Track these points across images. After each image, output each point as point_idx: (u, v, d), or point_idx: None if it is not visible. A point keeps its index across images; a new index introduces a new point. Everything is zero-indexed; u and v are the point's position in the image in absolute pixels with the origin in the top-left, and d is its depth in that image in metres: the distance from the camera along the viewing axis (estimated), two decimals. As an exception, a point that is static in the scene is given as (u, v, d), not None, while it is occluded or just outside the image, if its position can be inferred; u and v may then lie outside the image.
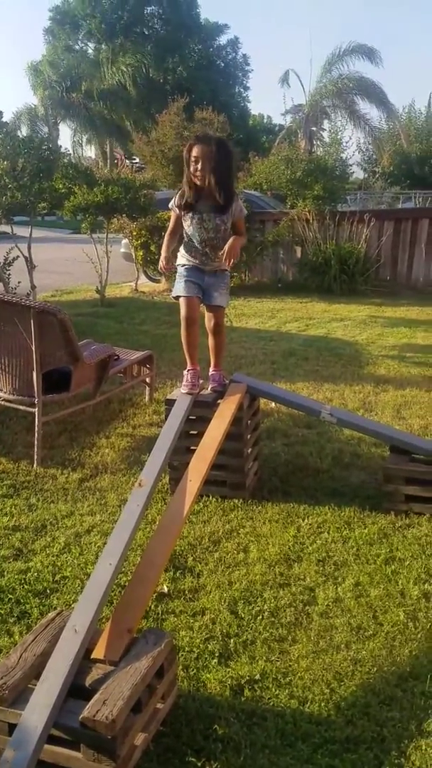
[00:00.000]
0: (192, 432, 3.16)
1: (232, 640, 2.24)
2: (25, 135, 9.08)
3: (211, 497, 3.18)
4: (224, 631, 2.28)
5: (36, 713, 1.63)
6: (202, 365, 3.31)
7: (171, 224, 3.16)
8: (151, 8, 32.24)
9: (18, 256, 6.70)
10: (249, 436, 3.26)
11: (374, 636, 2.28)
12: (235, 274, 9.96)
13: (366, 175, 22.13)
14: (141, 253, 9.56)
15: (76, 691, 1.74)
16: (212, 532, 2.89)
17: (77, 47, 32.30)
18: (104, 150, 27.74)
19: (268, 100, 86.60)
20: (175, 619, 2.34)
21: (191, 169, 2.85)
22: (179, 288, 3.12)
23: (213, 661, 2.15)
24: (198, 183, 2.86)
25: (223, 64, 33.69)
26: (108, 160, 23.99)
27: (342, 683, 2.07)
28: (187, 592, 2.48)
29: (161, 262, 3.15)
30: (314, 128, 23.14)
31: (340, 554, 2.75)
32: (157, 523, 2.91)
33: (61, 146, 8.19)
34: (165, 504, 3.14)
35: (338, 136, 11.68)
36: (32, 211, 6.83)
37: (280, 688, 2.05)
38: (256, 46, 71.84)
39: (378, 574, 2.61)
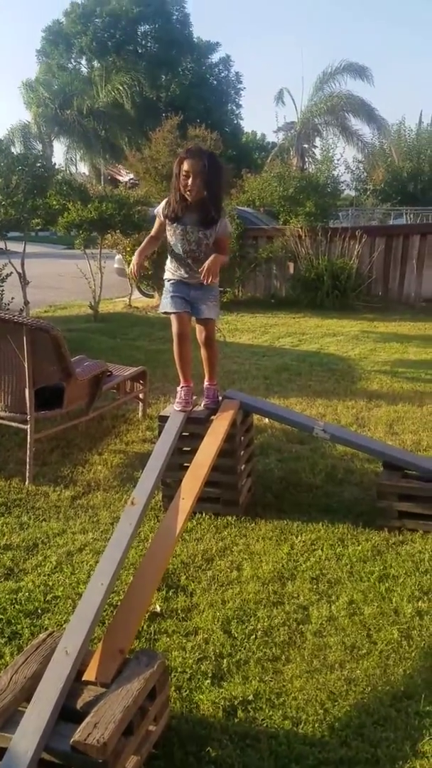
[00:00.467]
0: (185, 449, 3.16)
1: (225, 660, 2.22)
2: (19, 152, 9.14)
3: (204, 514, 3.17)
4: (217, 651, 2.26)
5: (26, 737, 1.60)
6: (195, 380, 3.31)
7: (153, 230, 3.15)
8: (143, 27, 32.65)
9: (11, 272, 6.71)
10: (242, 453, 3.25)
11: (368, 655, 2.27)
12: (228, 289, 10.02)
13: (357, 193, 22.35)
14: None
15: (67, 713, 1.72)
16: (205, 549, 2.88)
17: (70, 65, 32.63)
18: (96, 166, 27.91)
19: (260, 117, 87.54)
20: (168, 639, 2.32)
21: (181, 183, 2.85)
22: (165, 303, 3.13)
23: (206, 682, 2.13)
24: (188, 197, 2.88)
25: (215, 82, 34.07)
26: (102, 177, 24.12)
27: (336, 703, 2.06)
28: (179, 611, 2.46)
29: (132, 267, 3.10)
30: (306, 145, 23.38)
31: (333, 572, 2.73)
32: (150, 541, 2.90)
33: (55, 163, 8.21)
34: (158, 521, 3.12)
35: (330, 154, 11.79)
36: (26, 227, 6.85)
37: (273, 708, 2.03)
38: (248, 64, 72.74)
39: (372, 592, 2.60)
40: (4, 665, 2.15)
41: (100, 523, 3.12)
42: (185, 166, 2.80)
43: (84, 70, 32.56)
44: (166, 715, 1.95)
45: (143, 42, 33.18)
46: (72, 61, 32.83)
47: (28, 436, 3.55)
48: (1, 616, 2.41)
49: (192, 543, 2.94)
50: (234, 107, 35.23)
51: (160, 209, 3.04)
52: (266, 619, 2.43)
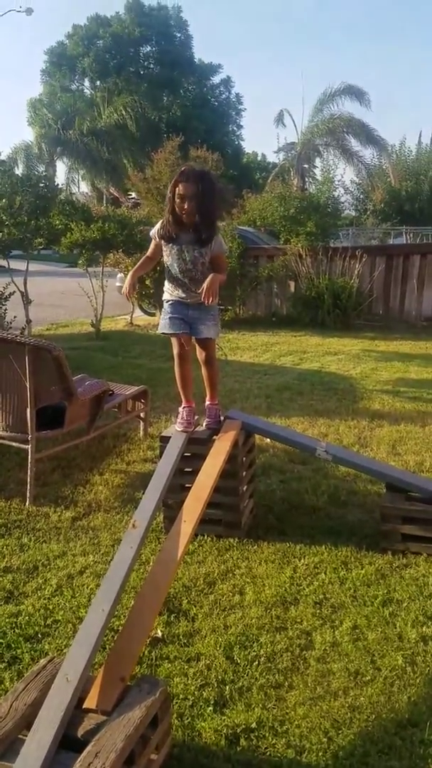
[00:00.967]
0: (187, 469, 3.14)
1: (227, 687, 2.19)
2: (22, 172, 9.25)
3: (205, 536, 3.14)
4: (219, 677, 2.23)
5: (27, 766, 1.58)
6: (196, 399, 3.30)
7: (149, 250, 3.16)
8: (145, 48, 33.16)
9: (14, 291, 6.74)
10: (244, 474, 3.24)
11: (372, 681, 2.23)
12: (229, 307, 10.05)
13: (357, 213, 22.55)
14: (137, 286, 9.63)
15: (68, 742, 1.69)
16: (207, 573, 2.85)
17: (73, 86, 33.10)
18: (96, 187, 28.17)
19: (261, 138, 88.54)
20: (170, 665, 2.29)
21: (177, 206, 2.87)
22: (164, 324, 3.14)
23: (208, 709, 2.09)
24: (184, 220, 2.90)
25: (216, 103, 34.55)
26: (104, 197, 24.33)
27: (340, 731, 2.02)
28: (181, 636, 2.43)
29: (125, 287, 3.08)
30: (306, 166, 23.63)
31: (337, 596, 2.71)
32: (151, 564, 2.87)
33: (58, 184, 8.29)
34: (159, 544, 3.10)
35: (330, 175, 11.90)
36: (29, 246, 6.90)
37: (276, 736, 1.99)
38: (249, 85, 73.77)
39: (375, 617, 2.57)
40: (4, 691, 2.13)
41: (100, 545, 3.10)
42: (180, 189, 2.82)
43: (87, 91, 33.03)
44: (168, 743, 1.92)
45: (145, 63, 33.72)
46: (75, 82, 33.32)
47: (29, 457, 3.53)
48: (1, 641, 2.38)
49: (194, 566, 2.91)
50: (235, 128, 35.72)
51: (155, 231, 3.06)
52: (269, 645, 2.40)
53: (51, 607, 2.60)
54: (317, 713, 2.09)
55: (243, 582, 2.79)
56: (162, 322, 3.15)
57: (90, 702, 1.82)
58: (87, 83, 33.33)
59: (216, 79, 34.72)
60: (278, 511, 3.47)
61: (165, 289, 3.19)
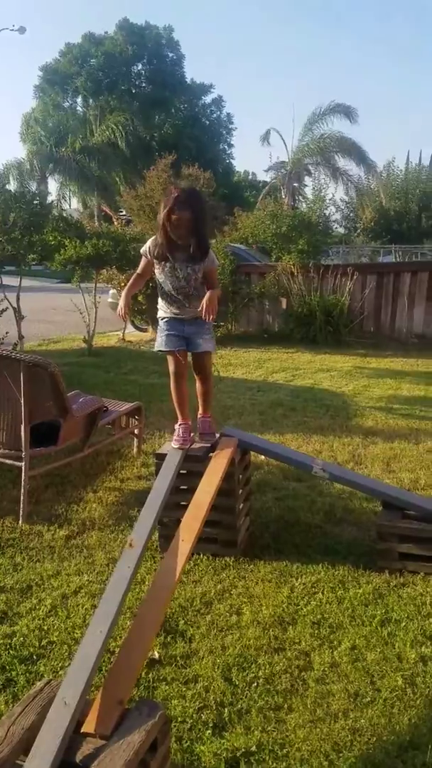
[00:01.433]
0: (183, 487, 3.12)
1: (226, 709, 2.16)
2: (15, 189, 9.26)
3: (201, 555, 3.12)
4: (218, 699, 2.20)
5: (24, 795, 1.54)
6: (191, 414, 3.29)
7: (140, 268, 3.16)
8: (137, 67, 33.52)
9: (6, 307, 6.72)
10: (241, 491, 3.22)
11: (372, 703, 2.21)
12: (221, 324, 10.08)
13: (346, 232, 22.78)
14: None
15: (67, 767, 1.66)
16: (204, 592, 2.82)
17: (66, 104, 33.36)
18: (87, 204, 28.33)
19: (252, 157, 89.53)
20: (167, 687, 2.25)
21: (172, 232, 2.88)
22: (160, 342, 3.15)
23: (207, 732, 2.06)
24: (180, 243, 2.92)
25: (207, 122, 34.92)
26: (96, 215, 24.45)
27: (341, 755, 1.99)
28: (178, 658, 2.40)
29: (120, 308, 3.09)
30: (296, 184, 23.89)
31: (335, 616, 2.68)
32: (147, 583, 2.84)
33: (52, 201, 8.32)
34: (154, 562, 3.07)
35: (321, 193, 12.03)
36: (22, 263, 6.90)
37: (277, 760, 1.96)
38: (240, 105, 74.76)
39: (374, 637, 2.55)
40: (0, 715, 2.08)
41: (95, 564, 3.06)
42: (175, 216, 2.84)
43: (79, 109, 33.30)
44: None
45: (137, 82, 34.06)
46: (68, 99, 33.57)
47: (23, 475, 3.50)
48: (-5, 663, 2.34)
49: (190, 585, 2.88)
50: (226, 147, 36.10)
51: (147, 249, 3.07)
52: (267, 666, 2.37)
53: (46, 627, 2.56)
54: (318, 736, 2.06)
55: (240, 602, 2.76)
56: (159, 340, 3.15)
57: (88, 726, 1.79)
58: (80, 101, 33.62)
59: (207, 99, 35.16)
60: (274, 529, 3.45)
61: (159, 306, 3.19)
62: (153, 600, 2.26)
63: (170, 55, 33.74)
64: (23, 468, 3.50)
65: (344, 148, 21.48)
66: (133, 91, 33.63)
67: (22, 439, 3.48)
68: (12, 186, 18.93)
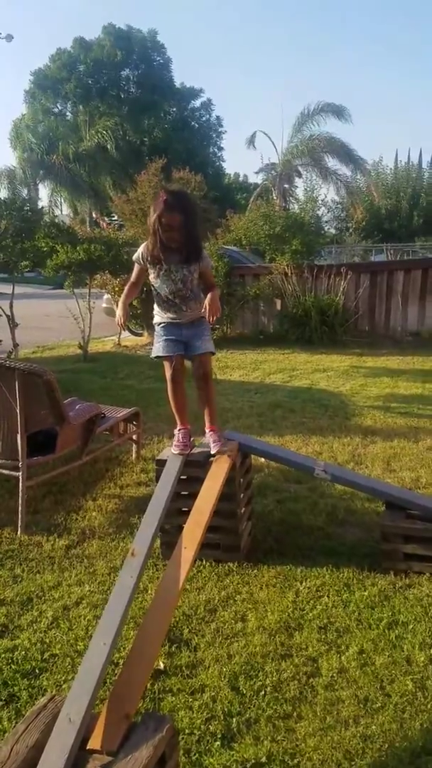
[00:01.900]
0: (184, 493, 3.08)
1: (234, 720, 2.11)
2: (6, 196, 9.22)
3: (204, 561, 3.07)
4: (226, 709, 2.16)
5: None
6: (189, 418, 3.24)
7: (133, 277, 3.12)
8: (126, 72, 33.50)
9: (0, 315, 6.66)
10: (242, 496, 3.18)
11: (383, 708, 2.17)
12: (217, 326, 10.04)
13: (337, 232, 22.79)
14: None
15: (73, 787, 1.61)
16: (208, 600, 2.77)
17: (56, 110, 33.32)
18: (77, 210, 28.28)
19: (244, 159, 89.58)
20: (173, 698, 2.20)
21: (163, 236, 2.84)
22: (158, 348, 3.09)
23: (215, 744, 2.02)
24: (173, 247, 2.88)
25: (197, 126, 34.92)
26: (88, 220, 24.40)
27: (353, 763, 1.95)
28: (184, 668, 2.35)
29: (119, 317, 3.06)
30: (287, 186, 23.87)
31: (341, 620, 2.64)
32: (150, 592, 2.80)
33: (43, 207, 8.28)
34: (157, 570, 3.02)
35: (313, 194, 12.02)
36: (14, 270, 6.85)
37: (288, 771, 1.92)
38: (231, 108, 74.91)
39: (382, 640, 2.51)
40: (2, 731, 2.03)
41: (96, 573, 3.01)
42: (165, 219, 2.80)
43: (69, 115, 33.25)
44: (175, 783, 1.83)
45: (126, 87, 34.05)
46: (58, 105, 33.53)
47: (20, 485, 3.45)
48: (-3, 678, 2.29)
49: (193, 593, 2.83)
50: (216, 150, 36.08)
51: (139, 256, 3.03)
52: (275, 674, 2.33)
53: (48, 640, 2.51)
54: (328, 744, 2.02)
55: (245, 608, 2.72)
56: (156, 346, 3.10)
57: (94, 742, 1.74)
58: (69, 107, 33.57)
59: (197, 102, 35.18)
60: (277, 533, 3.41)
61: (155, 312, 3.15)
62: (157, 610, 2.22)
63: (157, 59, 33.74)
64: (20, 478, 3.45)
65: (333, 148, 21.47)
66: (122, 95, 33.62)
67: (19, 448, 3.43)
68: (3, 193, 18.90)
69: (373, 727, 2.09)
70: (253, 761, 1.95)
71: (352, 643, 2.50)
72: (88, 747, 1.74)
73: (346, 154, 21.39)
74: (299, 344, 9.63)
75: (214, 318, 2.93)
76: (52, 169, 25.81)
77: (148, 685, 2.25)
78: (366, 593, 2.82)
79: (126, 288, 3.17)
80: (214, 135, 35.92)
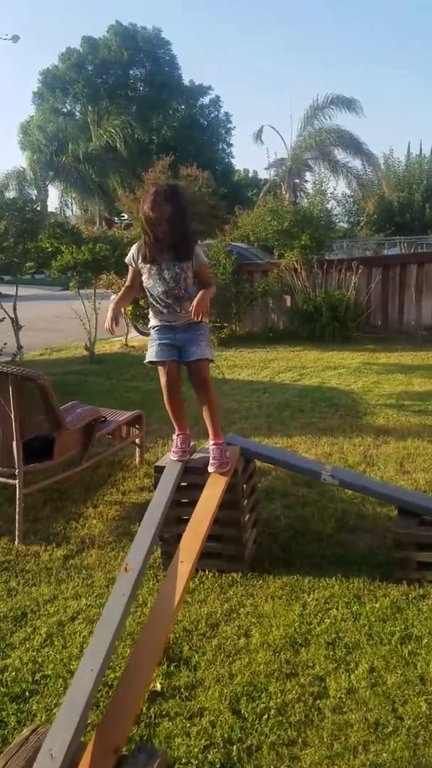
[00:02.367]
0: (183, 500, 2.94)
1: (234, 747, 1.97)
2: (10, 197, 9.14)
3: (207, 572, 2.93)
4: (225, 735, 2.01)
5: None
6: (189, 422, 3.10)
7: (128, 279, 2.99)
8: (134, 71, 33.45)
9: (3, 318, 6.57)
10: (246, 502, 3.03)
11: (395, 733, 2.02)
12: (225, 325, 9.89)
13: (349, 225, 22.53)
14: (131, 308, 9.48)
15: None
16: (209, 613, 2.63)
17: (65, 110, 33.35)
18: (88, 209, 28.26)
19: (253, 155, 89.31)
20: (170, 723, 2.07)
21: (153, 230, 2.71)
22: (151, 353, 2.92)
23: (214, 775, 1.88)
24: (163, 243, 2.73)
25: (206, 123, 34.79)
26: (98, 219, 24.36)
27: (363, 795, 1.80)
28: (182, 689, 2.21)
29: (108, 321, 2.91)
30: (297, 180, 23.62)
31: (351, 634, 2.49)
32: (149, 605, 2.66)
33: (54, 209, 8.18)
34: (157, 582, 2.89)
35: (322, 187, 11.81)
36: (17, 271, 6.75)
37: (292, 805, 1.78)
38: (241, 104, 74.61)
39: (394, 657, 2.36)
40: (-14, 764, 1.91)
41: (94, 586, 2.88)
42: (154, 213, 2.67)
43: (78, 115, 33.26)
44: None
45: (134, 85, 34.00)
46: (67, 105, 33.57)
47: (17, 492, 3.33)
48: (-15, 702, 2.16)
49: (195, 606, 2.69)
50: (225, 146, 35.96)
51: (131, 257, 2.90)
52: (279, 695, 2.18)
53: (40, 659, 2.38)
54: (336, 775, 1.87)
55: (248, 622, 2.58)
56: (150, 351, 2.94)
57: (79, 780, 1.62)
58: (78, 108, 33.58)
59: (205, 100, 35.03)
60: (283, 540, 3.26)
61: (150, 316, 3.01)
62: (152, 629, 2.09)
63: (164, 56, 33.63)
64: (17, 486, 3.34)
65: (342, 141, 21.17)
66: (131, 94, 33.57)
67: (15, 455, 3.31)
68: (11, 194, 18.86)
69: (384, 754, 1.94)
70: (254, 794, 1.81)
71: (362, 660, 2.35)
72: (72, 784, 1.61)
73: (355, 147, 21.10)
74: (310, 341, 9.44)
75: (200, 317, 2.76)
76: (62, 169, 25.80)
77: (144, 708, 2.12)
78: (377, 605, 2.67)
79: (121, 291, 3.04)
80: (222, 132, 35.79)
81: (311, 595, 2.75)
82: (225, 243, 10.41)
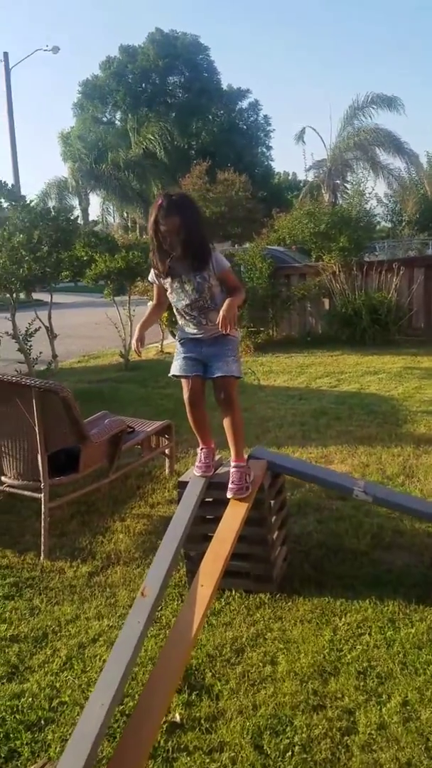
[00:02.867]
0: (208, 517, 2.83)
1: (256, 787, 1.85)
2: (49, 206, 9.23)
3: (233, 592, 2.81)
4: (247, 773, 1.90)
5: None
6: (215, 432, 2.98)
7: (155, 297, 2.88)
8: (173, 78, 33.67)
9: (39, 327, 6.60)
10: (274, 519, 2.90)
11: (430, 775, 1.86)
12: (262, 329, 9.75)
13: (391, 225, 22.04)
14: (166, 314, 9.44)
15: None
16: (235, 638, 2.52)
17: (104, 119, 33.81)
18: (129, 216, 28.54)
19: (294, 157, 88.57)
20: (188, 758, 1.96)
21: (162, 242, 2.57)
22: (175, 366, 2.82)
23: None
24: (176, 254, 2.60)
25: (245, 127, 34.73)
26: (137, 227, 24.57)
27: None
28: (203, 720, 2.10)
29: (133, 343, 2.80)
30: (338, 181, 23.30)
31: (383, 663, 2.34)
32: (171, 628, 2.57)
33: (96, 217, 8.20)
34: (181, 602, 2.78)
35: (360, 188, 11.55)
36: (52, 281, 6.78)
37: None
38: (280, 107, 74.33)
39: (429, 689, 2.20)
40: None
41: (117, 605, 2.80)
42: (163, 225, 2.52)
43: (118, 123, 33.68)
44: None
45: (173, 92, 34.22)
46: (106, 114, 34.04)
47: (42, 506, 3.29)
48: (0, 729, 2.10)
49: (219, 629, 2.58)
50: (264, 149, 35.81)
51: (152, 276, 2.78)
52: (305, 729, 2.05)
53: (58, 685, 2.31)
54: None
55: (275, 648, 2.45)
56: (174, 364, 2.83)
57: None
58: (118, 115, 34.01)
59: (244, 104, 34.97)
60: (315, 558, 3.12)
61: (177, 327, 2.91)
62: (169, 657, 1.99)
63: (203, 63, 33.74)
64: (42, 500, 3.29)
65: (382, 139, 20.79)
66: (170, 101, 33.79)
67: (40, 468, 3.27)
68: (52, 204, 19.18)
69: (418, 800, 1.79)
70: None
71: (395, 691, 2.20)
72: None
73: (395, 146, 20.69)
74: (349, 345, 9.22)
75: (228, 328, 2.62)
76: (102, 178, 26.12)
77: (162, 741, 2.02)
78: (413, 630, 2.51)
79: (149, 310, 2.92)
80: (262, 135, 35.66)
81: (342, 619, 2.60)
82: (261, 247, 10.28)
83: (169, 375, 2.88)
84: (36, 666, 2.43)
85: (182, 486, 2.82)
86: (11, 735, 2.08)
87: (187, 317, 2.75)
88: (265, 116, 35.58)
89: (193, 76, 33.23)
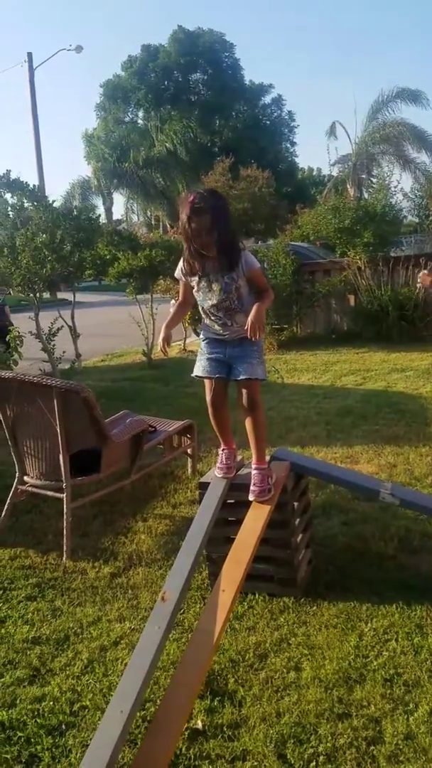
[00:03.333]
0: (231, 519, 2.79)
1: (279, 798, 1.81)
2: (73, 205, 9.28)
3: (257, 596, 2.77)
4: (270, 784, 1.85)
5: None
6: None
7: (180, 295, 2.84)
8: (195, 75, 33.57)
9: (62, 326, 6.63)
10: (297, 522, 2.85)
11: (459, 789, 1.80)
12: (285, 327, 9.67)
13: (419, 220, 21.71)
14: (189, 312, 9.42)
15: None
16: (258, 642, 2.47)
17: (127, 118, 33.87)
18: (153, 214, 28.59)
19: (318, 152, 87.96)
20: (210, 767, 1.92)
21: (194, 241, 2.51)
22: (198, 367, 2.77)
23: None
24: (206, 253, 2.56)
25: (268, 122, 34.47)
26: (160, 225, 24.61)
27: None
28: (225, 727, 2.06)
29: (159, 343, 2.77)
30: (363, 176, 23.03)
31: (411, 670, 2.27)
32: (194, 629, 2.53)
33: (120, 216, 8.22)
34: (203, 604, 2.75)
35: (386, 182, 11.37)
36: (75, 280, 6.81)
37: None
38: (303, 101, 73.81)
39: (460, 699, 2.12)
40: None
41: (139, 607, 2.77)
42: (194, 224, 2.46)
43: (140, 122, 33.73)
44: None
45: (196, 90, 34.12)
46: (129, 113, 34.08)
47: (65, 507, 3.28)
48: (20, 734, 2.08)
49: (243, 633, 2.54)
50: (288, 145, 35.46)
51: (179, 271, 2.72)
52: (329, 738, 1.99)
53: (80, 688, 2.29)
54: None
55: (300, 654, 2.40)
56: (197, 364, 2.79)
57: None
58: (141, 114, 34.06)
59: (267, 99, 34.71)
60: (341, 562, 3.05)
61: (201, 326, 2.86)
62: (190, 663, 1.96)
63: (226, 59, 33.57)
64: (65, 500, 3.29)
65: (408, 133, 20.49)
66: (193, 99, 33.72)
67: (62, 468, 3.26)
68: (76, 203, 19.31)
69: None
70: None
71: (423, 700, 2.14)
72: None
73: (422, 139, 20.37)
74: (375, 342, 9.08)
75: (257, 336, 2.55)
76: (125, 177, 26.22)
77: (184, 748, 1.98)
78: (442, 637, 2.43)
79: (174, 309, 2.88)
80: (285, 130, 35.34)
81: (369, 625, 2.54)
82: (285, 243, 10.18)
83: (192, 375, 2.83)
84: (57, 669, 2.41)
85: (203, 487, 2.78)
86: (32, 739, 2.06)
87: (213, 317, 2.71)
88: (289, 112, 35.25)
89: (216, 74, 33.08)
